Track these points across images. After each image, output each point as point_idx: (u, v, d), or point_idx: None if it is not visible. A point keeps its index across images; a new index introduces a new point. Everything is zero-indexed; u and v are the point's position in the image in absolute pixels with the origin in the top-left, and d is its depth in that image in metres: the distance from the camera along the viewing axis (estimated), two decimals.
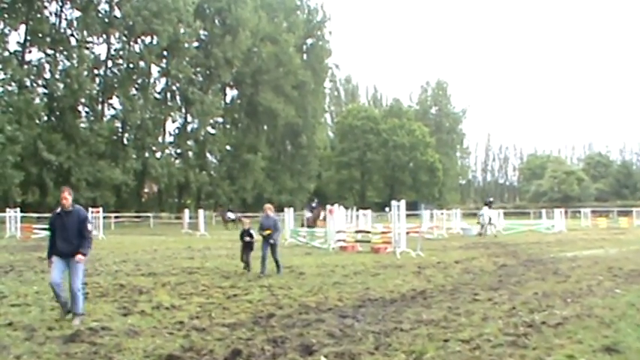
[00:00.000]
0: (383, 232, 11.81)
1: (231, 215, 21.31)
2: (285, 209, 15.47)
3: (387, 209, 19.43)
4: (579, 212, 27.23)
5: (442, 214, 19.33)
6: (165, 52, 29.42)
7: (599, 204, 43.14)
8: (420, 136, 50.14)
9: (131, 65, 28.05)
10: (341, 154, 47.80)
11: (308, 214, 15.84)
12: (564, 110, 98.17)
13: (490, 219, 15.54)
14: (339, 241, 12.13)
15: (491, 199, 17.02)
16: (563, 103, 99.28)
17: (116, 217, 24.85)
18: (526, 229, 19.08)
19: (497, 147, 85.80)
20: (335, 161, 47.93)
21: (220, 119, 34.93)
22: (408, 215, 11.63)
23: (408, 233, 11.30)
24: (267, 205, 7.70)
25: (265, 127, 37.26)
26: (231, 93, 36.43)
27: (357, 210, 17.46)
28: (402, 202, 10.80)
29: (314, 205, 16.58)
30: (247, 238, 7.76)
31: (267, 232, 7.35)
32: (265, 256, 7.38)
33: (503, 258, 9.68)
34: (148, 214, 27.84)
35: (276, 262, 7.45)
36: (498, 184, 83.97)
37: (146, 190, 32.05)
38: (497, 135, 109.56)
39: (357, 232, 12.84)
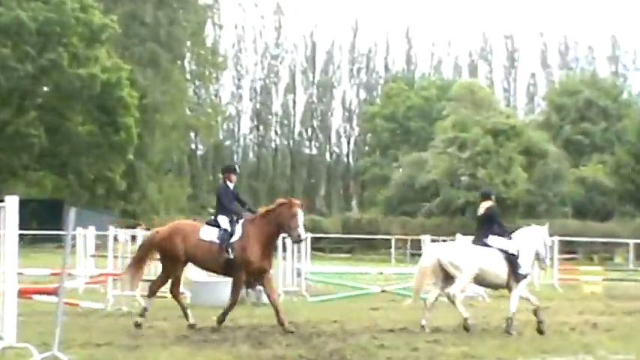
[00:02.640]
0: None
1: None
2: None
3: None
4: None
5: (133, 238, 23.98)
6: None
7: (584, 226, 47.13)
8: (69, 11, 55.52)
9: None
10: None
11: None
12: None
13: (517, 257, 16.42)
14: None
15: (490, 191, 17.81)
16: None
17: None
18: (376, 291, 22.97)
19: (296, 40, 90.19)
20: None
21: None
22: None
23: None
24: None
25: None
26: None
27: None
28: (12, 201, 11.82)
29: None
30: None
31: None
32: None
33: None
34: None
35: None
36: (301, 154, 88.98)
37: None
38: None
39: None
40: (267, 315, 16.72)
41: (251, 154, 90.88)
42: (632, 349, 13.34)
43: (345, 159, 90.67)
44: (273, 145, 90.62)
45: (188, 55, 74.12)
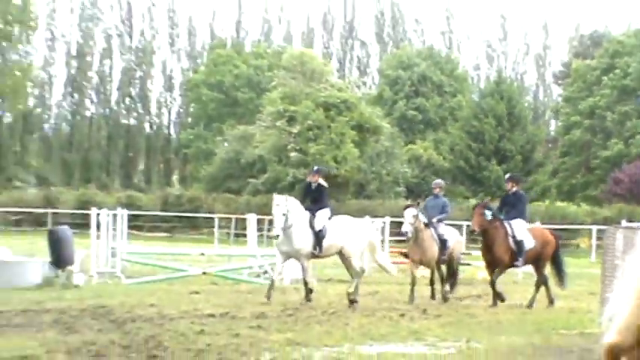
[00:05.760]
0: None
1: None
2: None
3: None
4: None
5: None
6: None
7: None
8: None
9: None
10: None
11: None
12: None
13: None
14: None
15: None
16: None
17: None
18: (197, 273, 23.75)
19: None
20: None
21: None
22: None
23: None
24: None
25: None
26: None
27: None
28: None
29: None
30: None
31: None
32: None
33: (116, 359, 11.36)
34: None
35: None
36: (119, 125, 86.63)
37: None
38: None
39: None
40: (78, 298, 17.17)
41: (64, 124, 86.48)
42: (461, 334, 13.77)
43: (166, 130, 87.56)
44: (88, 114, 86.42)
45: None
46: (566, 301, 20.18)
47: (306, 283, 17.95)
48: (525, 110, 66.77)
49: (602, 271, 16.42)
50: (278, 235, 17.77)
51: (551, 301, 18.92)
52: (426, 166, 61.01)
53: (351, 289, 17.98)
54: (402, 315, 16.46)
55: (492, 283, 18.56)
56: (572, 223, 47.09)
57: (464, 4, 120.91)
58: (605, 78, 62.69)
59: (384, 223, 29.36)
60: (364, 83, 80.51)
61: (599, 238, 36.47)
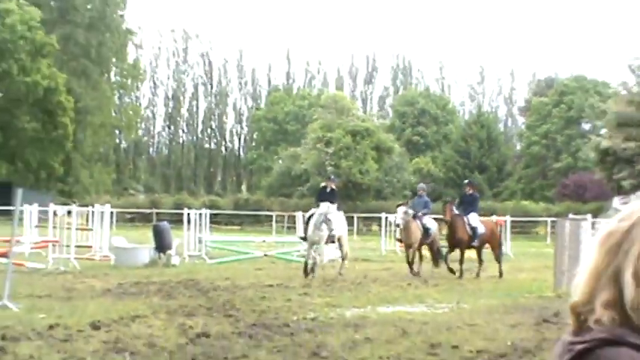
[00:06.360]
0: None
1: None
2: None
3: None
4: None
5: (69, 213, 21.94)
6: None
7: None
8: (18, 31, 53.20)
9: None
10: None
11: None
12: None
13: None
14: None
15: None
16: None
17: None
18: (260, 255, 23.11)
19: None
20: None
21: None
22: None
23: None
24: None
25: None
26: None
27: None
28: None
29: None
30: None
31: None
32: None
33: (202, 318, 10.82)
34: None
35: None
36: (203, 149, 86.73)
37: None
38: None
39: None
40: (175, 273, 17.14)
41: (164, 148, 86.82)
42: (452, 298, 13.72)
43: (237, 152, 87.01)
44: (181, 141, 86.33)
45: (114, 69, 69.95)
46: (528, 272, 19.89)
47: (315, 262, 17.63)
48: (499, 135, 67.07)
49: (554, 251, 16.22)
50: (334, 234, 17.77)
51: (477, 274, 18.68)
52: (426, 176, 59.50)
53: (342, 270, 18.07)
54: (409, 284, 16.31)
55: (446, 259, 18.65)
56: (532, 216, 46.52)
57: (452, 58, 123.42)
58: (554, 110, 62.47)
59: (396, 217, 28.97)
60: (382, 116, 79.79)
61: (552, 227, 35.95)
